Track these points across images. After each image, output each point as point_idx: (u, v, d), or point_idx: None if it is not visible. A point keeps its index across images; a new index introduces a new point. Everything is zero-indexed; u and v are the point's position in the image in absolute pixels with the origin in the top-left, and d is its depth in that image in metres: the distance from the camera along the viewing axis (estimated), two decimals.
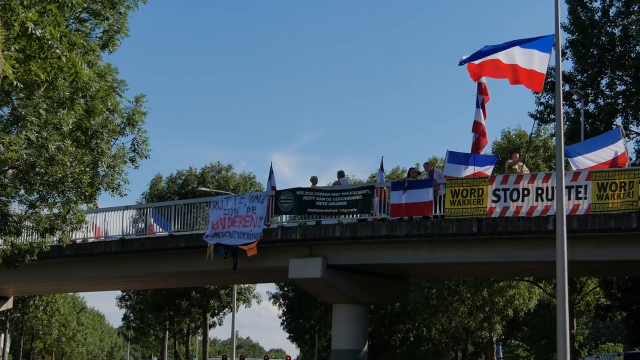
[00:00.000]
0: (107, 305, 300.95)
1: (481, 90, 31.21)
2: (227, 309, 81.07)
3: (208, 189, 66.32)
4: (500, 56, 28.50)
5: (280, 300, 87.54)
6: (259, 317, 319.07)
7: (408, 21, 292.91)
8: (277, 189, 35.36)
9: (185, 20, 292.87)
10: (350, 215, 32.18)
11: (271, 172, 38.43)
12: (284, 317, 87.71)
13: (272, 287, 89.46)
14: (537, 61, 28.35)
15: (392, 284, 37.24)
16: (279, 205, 33.27)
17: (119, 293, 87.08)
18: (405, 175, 38.48)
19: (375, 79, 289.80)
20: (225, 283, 65.54)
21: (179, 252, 36.05)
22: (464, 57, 28.77)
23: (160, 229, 36.73)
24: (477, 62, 28.76)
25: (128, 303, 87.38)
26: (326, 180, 65.83)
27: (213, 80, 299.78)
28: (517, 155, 32.03)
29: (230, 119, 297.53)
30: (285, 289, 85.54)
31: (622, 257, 29.19)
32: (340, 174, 35.84)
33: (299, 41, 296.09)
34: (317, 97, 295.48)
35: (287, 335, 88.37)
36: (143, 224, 37.86)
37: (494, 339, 72.07)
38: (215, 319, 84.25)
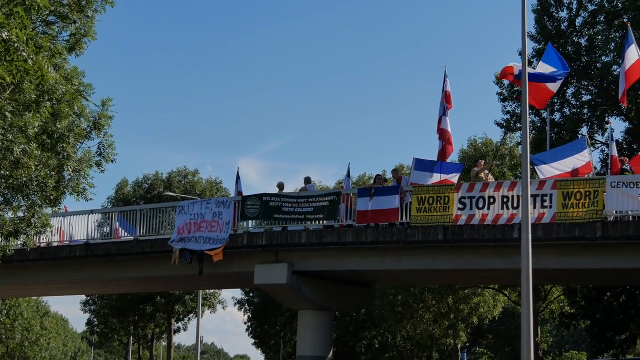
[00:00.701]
0: (70, 309, 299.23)
1: (446, 98, 31.35)
2: (192, 314, 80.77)
3: (174, 194, 66.17)
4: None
5: (246, 306, 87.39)
6: (224, 322, 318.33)
7: (375, 28, 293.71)
8: (244, 194, 35.28)
9: (153, 24, 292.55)
10: (317, 222, 32.16)
11: (238, 177, 38.34)
12: (249, 323, 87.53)
13: (238, 293, 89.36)
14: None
15: (358, 290, 37.24)
16: (245, 210, 33.21)
17: (83, 297, 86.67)
18: (372, 181, 38.55)
19: (343, 86, 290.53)
20: (191, 288, 65.30)
21: (144, 257, 35.88)
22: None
23: (126, 234, 36.56)
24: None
25: (92, 307, 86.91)
26: (293, 186, 65.91)
27: (180, 84, 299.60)
28: (482, 163, 32.17)
29: (197, 123, 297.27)
30: (251, 294, 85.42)
31: (586, 265, 29.36)
32: (307, 180, 35.83)
33: (266, 46, 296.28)
34: (284, 103, 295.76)
35: (252, 341, 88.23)
36: (108, 228, 37.67)
37: (459, 346, 72.23)
38: (179, 324, 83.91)
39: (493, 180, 31.35)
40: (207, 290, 77.00)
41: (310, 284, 33.63)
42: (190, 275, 35.39)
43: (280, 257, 33.09)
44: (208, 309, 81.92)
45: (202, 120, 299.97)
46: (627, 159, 31.43)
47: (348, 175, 38.57)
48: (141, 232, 35.92)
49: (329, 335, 35.46)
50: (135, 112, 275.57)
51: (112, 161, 25.65)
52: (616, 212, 27.35)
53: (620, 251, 28.13)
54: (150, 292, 68.98)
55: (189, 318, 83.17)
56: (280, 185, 34.86)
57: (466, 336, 72.87)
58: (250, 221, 33.81)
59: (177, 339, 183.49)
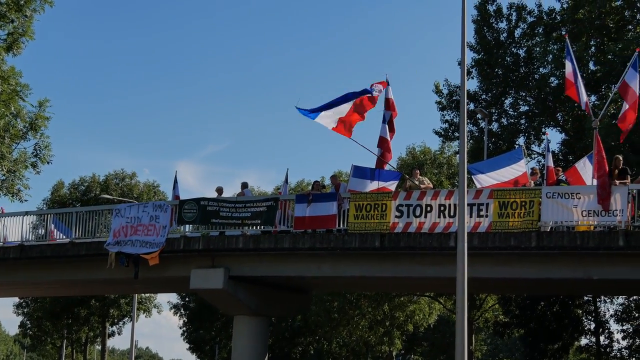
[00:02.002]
0: (3, 312, 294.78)
1: (389, 106, 31.43)
2: (126, 318, 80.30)
3: (111, 197, 65.66)
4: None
5: (181, 311, 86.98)
6: (159, 327, 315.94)
7: (315, 36, 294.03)
8: (181, 198, 35.10)
9: (92, 26, 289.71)
10: (254, 227, 32.10)
11: (175, 181, 38.18)
12: (184, 328, 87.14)
13: (173, 297, 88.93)
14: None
15: (294, 296, 37.22)
16: (183, 214, 33.03)
17: (16, 300, 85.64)
18: (310, 188, 38.57)
19: (283, 91, 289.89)
20: (126, 292, 64.84)
21: (80, 260, 35.52)
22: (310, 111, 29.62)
23: (62, 236, 36.17)
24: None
25: (25, 310, 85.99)
26: (231, 190, 65.73)
27: (118, 87, 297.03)
28: (418, 172, 32.36)
29: (135, 126, 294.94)
30: (187, 299, 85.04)
31: (521, 275, 29.59)
32: (244, 185, 35.78)
33: (206, 50, 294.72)
34: (223, 107, 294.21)
35: (188, 346, 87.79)
36: (43, 230, 37.21)
37: (394, 353, 72.60)
38: (114, 328, 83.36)
39: (431, 187, 31.49)
40: (143, 294, 76.57)
41: (246, 289, 33.53)
42: (125, 279, 35.08)
43: (217, 262, 32.95)
44: (143, 313, 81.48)
45: (140, 123, 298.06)
46: (561, 170, 31.75)
47: (286, 181, 38.53)
48: (77, 234, 35.54)
49: (264, 341, 35.40)
50: (73, 114, 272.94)
51: (48, 162, 25.53)
52: (552, 222, 27.62)
53: (554, 261, 28.39)
54: (85, 295, 68.36)
55: (124, 322, 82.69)
56: (220, 190, 34.74)
57: (401, 343, 73.25)
58: (187, 225, 33.66)
59: (111, 343, 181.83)
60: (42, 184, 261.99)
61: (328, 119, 29.59)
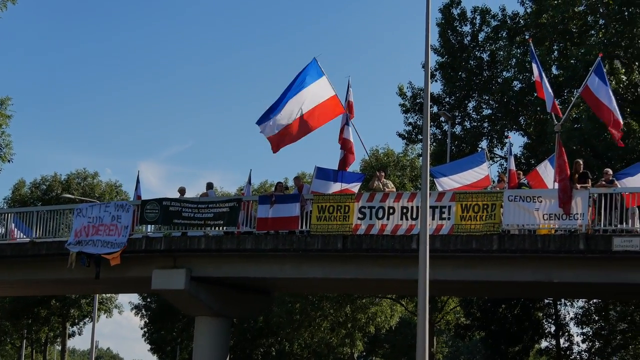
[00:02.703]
0: None
1: (349, 108, 31.46)
2: (87, 318, 79.83)
3: (73, 196, 65.32)
4: (304, 109, 29.98)
5: (143, 311, 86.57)
6: (120, 327, 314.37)
7: (277, 35, 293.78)
8: (144, 198, 34.97)
9: (55, 25, 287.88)
10: (217, 228, 32.04)
11: (138, 181, 38.00)
12: (145, 328, 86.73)
13: (135, 298, 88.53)
14: (324, 88, 29.95)
15: (257, 297, 37.18)
16: (145, 215, 32.91)
17: None
18: (273, 189, 38.53)
19: (245, 92, 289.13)
20: (87, 292, 64.49)
21: (40, 260, 35.28)
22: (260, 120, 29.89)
23: (22, 235, 35.92)
24: (275, 132, 29.81)
25: None
26: (195, 191, 65.70)
27: (81, 86, 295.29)
28: (382, 174, 32.39)
29: (98, 125, 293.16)
30: (148, 299, 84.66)
31: (482, 278, 29.72)
32: (209, 186, 35.71)
33: (169, 49, 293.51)
34: (187, 107, 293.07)
35: (149, 346, 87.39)
36: (3, 229, 36.90)
37: (355, 355, 72.64)
38: (75, 328, 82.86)
39: (394, 189, 31.57)
40: (104, 295, 76.18)
41: (208, 290, 33.45)
42: (86, 279, 34.89)
43: (179, 263, 32.85)
44: (104, 313, 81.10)
45: (103, 122, 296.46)
46: (522, 173, 31.92)
47: (249, 182, 38.49)
48: (37, 234, 35.31)
49: (225, 343, 35.32)
50: (35, 113, 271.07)
51: (9, 161, 25.37)
52: (513, 225, 27.76)
53: (515, 264, 28.54)
54: (46, 295, 67.93)
55: (85, 322, 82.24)
56: (182, 190, 34.63)
57: (363, 345, 73.31)
58: (149, 226, 33.54)
59: (71, 343, 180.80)
60: (2, 182, 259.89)
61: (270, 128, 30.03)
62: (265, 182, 77.41)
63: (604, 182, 28.14)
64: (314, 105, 30.54)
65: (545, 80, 29.63)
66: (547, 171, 30.60)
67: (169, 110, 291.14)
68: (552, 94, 29.30)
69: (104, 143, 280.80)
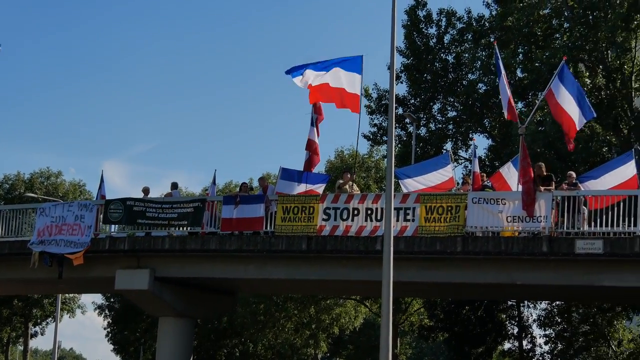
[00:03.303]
0: None
1: (316, 109, 31.50)
2: (50, 318, 79.37)
3: (36, 195, 64.97)
4: (328, 79, 29.75)
5: (106, 312, 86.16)
6: (83, 327, 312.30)
7: (242, 35, 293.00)
8: (108, 198, 34.81)
9: (16, 17, 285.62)
10: (181, 228, 31.98)
11: (102, 180, 37.79)
12: (109, 329, 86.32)
13: (98, 298, 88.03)
14: (353, 83, 29.82)
15: (221, 298, 37.10)
16: (108, 214, 32.78)
17: None
18: (238, 189, 38.49)
19: (212, 93, 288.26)
20: (50, 292, 64.11)
21: (2, 259, 35.04)
22: (292, 70, 29.85)
23: None
24: (314, 84, 29.69)
25: None
26: (159, 191, 65.62)
27: (45, 84, 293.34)
28: (348, 175, 32.40)
29: (62, 124, 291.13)
30: (112, 300, 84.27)
31: (446, 279, 29.81)
32: (174, 186, 35.63)
33: (135, 47, 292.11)
34: (152, 106, 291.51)
35: (112, 347, 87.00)
36: None
37: (319, 356, 72.71)
38: (37, 328, 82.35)
39: (358, 192, 31.61)
40: (67, 295, 75.79)
41: (172, 290, 33.36)
42: (49, 279, 34.71)
43: (143, 263, 32.73)
44: (67, 313, 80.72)
45: (67, 121, 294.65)
46: (485, 176, 32.04)
47: (214, 182, 38.40)
48: (0, 233, 35.08)
49: (189, 343, 35.24)
50: None
51: None
52: (477, 227, 27.89)
53: (479, 266, 28.66)
54: (8, 295, 67.48)
55: (47, 322, 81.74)
56: (146, 190, 34.52)
57: (327, 346, 73.38)
58: (113, 226, 33.41)
59: (34, 343, 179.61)
60: None
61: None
62: (230, 182, 77.28)
63: (565, 185, 28.37)
64: (349, 90, 30.57)
65: (505, 84, 29.70)
66: (510, 173, 30.74)
67: (134, 109, 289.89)
68: (509, 97, 29.40)
69: (68, 142, 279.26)
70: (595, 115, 29.77)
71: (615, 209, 26.91)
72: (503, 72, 29.84)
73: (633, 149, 30.52)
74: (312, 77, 30.21)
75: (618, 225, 26.75)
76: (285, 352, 73.34)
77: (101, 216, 33.08)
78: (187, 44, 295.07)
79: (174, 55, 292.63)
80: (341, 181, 31.80)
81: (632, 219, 26.61)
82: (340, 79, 30.24)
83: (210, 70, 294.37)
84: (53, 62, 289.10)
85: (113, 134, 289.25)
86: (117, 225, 33.48)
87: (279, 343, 68.65)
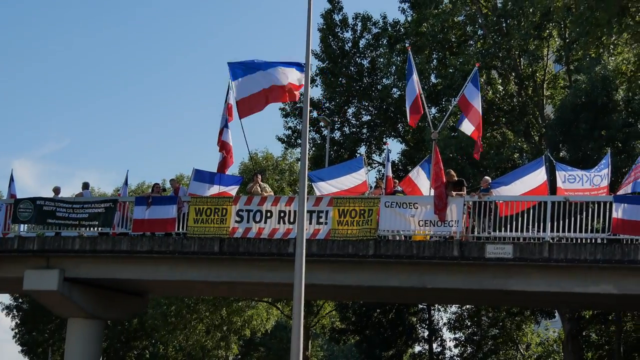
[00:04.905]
0: None
1: (227, 110, 31.42)
2: None
3: None
4: (262, 82, 30.12)
5: (14, 312, 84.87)
6: None
7: (155, 32, 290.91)
8: (17, 197, 34.29)
9: None
10: (91, 228, 31.64)
11: (11, 179, 37.19)
12: (16, 330, 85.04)
13: (6, 298, 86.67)
14: (293, 76, 29.99)
15: (131, 299, 36.76)
16: (18, 214, 32.30)
17: None
18: (150, 190, 38.22)
19: (125, 91, 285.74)
20: None
21: None
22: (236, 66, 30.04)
23: None
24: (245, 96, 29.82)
25: None
26: (70, 190, 64.74)
27: None
28: (260, 177, 32.40)
29: None
30: (20, 300, 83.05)
31: (358, 282, 29.92)
32: (85, 186, 35.24)
33: (45, 45, 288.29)
34: (63, 105, 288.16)
35: (19, 348, 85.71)
36: None
37: (230, 358, 72.45)
38: None
39: (271, 194, 31.59)
40: None
41: (82, 291, 32.97)
42: None
43: (52, 263, 32.30)
44: None
45: None
46: (397, 182, 32.22)
47: (126, 183, 38.11)
48: None
49: (98, 345, 34.86)
50: None
51: None
52: (389, 231, 28.06)
53: (391, 270, 28.84)
54: None
55: None
56: (57, 190, 34.07)
57: (238, 348, 73.19)
58: (22, 225, 32.91)
59: None
60: None
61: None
62: (143, 183, 76.60)
63: (474, 192, 28.71)
64: (283, 83, 30.70)
65: (416, 88, 30.02)
66: (419, 177, 31.02)
67: (45, 107, 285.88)
68: (415, 101, 29.76)
69: None
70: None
71: (525, 214, 27.33)
72: (414, 76, 30.15)
73: (544, 156, 31.01)
74: (248, 85, 30.56)
75: (527, 231, 27.19)
76: (196, 354, 72.94)
77: (10, 215, 32.58)
78: (99, 40, 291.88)
79: (86, 52, 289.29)
80: (251, 184, 31.74)
81: (542, 224, 27.04)
82: (278, 74, 30.58)
83: (124, 69, 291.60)
84: None
85: (23, 133, 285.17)
86: (26, 225, 32.99)
87: (190, 345, 68.19)
